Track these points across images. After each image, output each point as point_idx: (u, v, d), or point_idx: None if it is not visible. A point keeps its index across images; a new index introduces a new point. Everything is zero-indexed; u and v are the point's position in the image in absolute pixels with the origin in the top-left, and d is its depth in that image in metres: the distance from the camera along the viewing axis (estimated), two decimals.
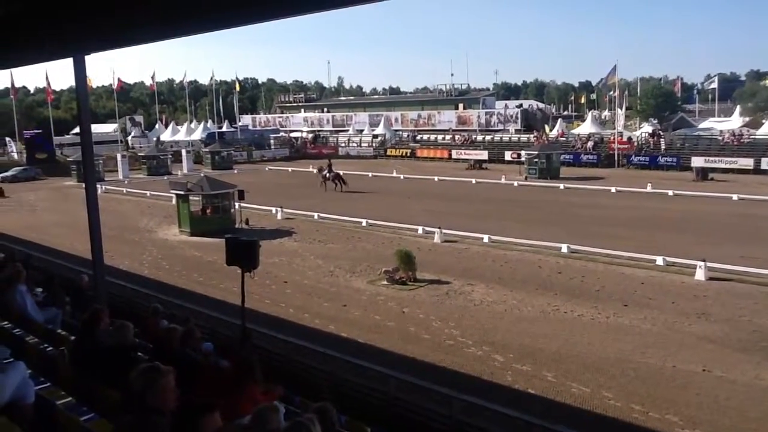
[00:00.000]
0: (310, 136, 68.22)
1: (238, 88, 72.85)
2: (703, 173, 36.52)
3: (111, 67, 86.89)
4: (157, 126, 72.89)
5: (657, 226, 23.08)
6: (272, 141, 65.41)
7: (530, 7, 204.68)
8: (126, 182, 42.12)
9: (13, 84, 59.60)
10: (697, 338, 12.11)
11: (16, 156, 56.40)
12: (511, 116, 64.55)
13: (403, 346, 12.01)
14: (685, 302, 14.26)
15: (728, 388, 9.98)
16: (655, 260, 17.34)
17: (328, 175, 35.08)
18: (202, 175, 28.72)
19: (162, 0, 5.48)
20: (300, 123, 77.83)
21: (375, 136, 61.13)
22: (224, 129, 68.40)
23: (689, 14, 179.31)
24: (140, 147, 60.65)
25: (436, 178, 39.77)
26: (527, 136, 54.36)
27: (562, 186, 34.90)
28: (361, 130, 66.67)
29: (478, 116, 65.39)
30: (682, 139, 46.26)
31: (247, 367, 5.28)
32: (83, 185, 8.73)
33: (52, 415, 4.34)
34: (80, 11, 5.92)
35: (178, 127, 69.42)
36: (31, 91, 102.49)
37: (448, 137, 57.32)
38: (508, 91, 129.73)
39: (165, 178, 40.11)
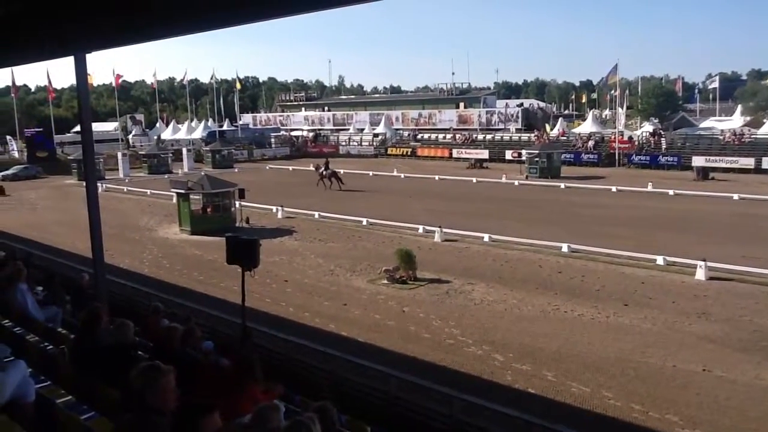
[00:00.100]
0: (311, 134, 68.21)
1: (238, 87, 72.93)
2: (704, 173, 36.47)
3: (112, 65, 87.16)
4: (157, 124, 72.83)
5: (657, 225, 23.07)
6: (273, 140, 65.41)
7: (531, 6, 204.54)
8: (127, 181, 42.15)
9: (14, 82, 59.73)
10: (697, 338, 12.11)
11: (16, 154, 56.49)
12: (512, 115, 64.52)
13: (404, 345, 12.02)
14: (685, 302, 14.25)
15: (728, 387, 9.98)
16: (655, 260, 17.34)
17: (324, 172, 35.18)
18: (202, 173, 28.74)
19: None
20: (301, 122, 77.84)
21: (376, 135, 61.10)
22: (225, 128, 68.43)
23: (690, 13, 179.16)
24: (141, 145, 60.60)
25: (436, 177, 39.75)
26: (528, 135, 54.37)
27: (562, 185, 34.88)
28: (362, 129, 66.62)
29: (479, 115, 65.39)
30: (683, 139, 46.24)
31: (248, 365, 5.28)
32: (84, 184, 8.72)
33: (53, 414, 4.34)
34: (80, 11, 5.92)
35: (179, 126, 69.44)
36: (32, 90, 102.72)
37: (448, 136, 57.29)
38: (508, 90, 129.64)
39: (165, 176, 40.10)
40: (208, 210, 24.37)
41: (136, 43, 8.01)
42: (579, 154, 45.98)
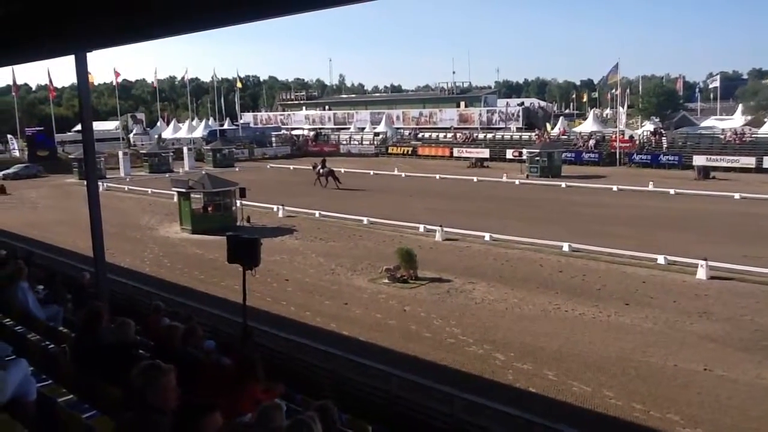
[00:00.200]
0: (312, 133, 68.21)
1: (239, 86, 72.93)
2: (705, 172, 36.44)
3: (113, 64, 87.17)
4: (158, 123, 72.87)
5: (658, 224, 23.06)
6: (274, 139, 65.36)
7: (532, 5, 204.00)
8: (127, 180, 42.16)
9: (14, 81, 59.72)
10: (698, 337, 12.10)
11: (17, 153, 56.53)
12: (513, 114, 64.47)
13: (405, 345, 12.01)
14: (686, 301, 14.24)
15: (730, 387, 9.97)
16: (656, 259, 17.32)
17: (321, 171, 35.21)
18: (203, 172, 28.69)
19: None
20: (301, 121, 77.79)
21: (376, 134, 61.08)
22: (226, 126, 68.48)
23: (691, 12, 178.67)
24: (142, 144, 60.72)
25: (437, 176, 39.73)
26: (529, 134, 54.32)
27: (563, 184, 34.87)
28: (363, 128, 66.60)
29: (480, 114, 65.32)
30: (683, 138, 46.18)
31: (249, 365, 5.29)
32: (85, 182, 8.71)
33: (54, 412, 4.35)
34: (80, 10, 5.91)
35: (180, 125, 69.46)
36: (33, 89, 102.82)
37: (449, 135, 57.27)
38: (509, 89, 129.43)
39: (166, 175, 40.08)
40: (209, 209, 24.37)
41: (136, 41, 8.00)
42: (580, 153, 45.95)
